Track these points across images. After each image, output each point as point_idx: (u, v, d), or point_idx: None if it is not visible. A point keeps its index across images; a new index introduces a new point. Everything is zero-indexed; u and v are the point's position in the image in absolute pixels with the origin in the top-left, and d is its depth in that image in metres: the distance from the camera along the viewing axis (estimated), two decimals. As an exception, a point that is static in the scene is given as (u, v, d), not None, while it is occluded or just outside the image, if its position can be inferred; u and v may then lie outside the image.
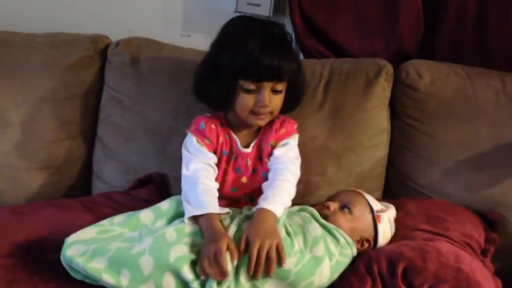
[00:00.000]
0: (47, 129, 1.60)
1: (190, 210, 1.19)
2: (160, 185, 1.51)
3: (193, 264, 1.11)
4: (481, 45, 1.63)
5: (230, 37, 1.28)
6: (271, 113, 1.31)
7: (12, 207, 1.40)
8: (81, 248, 1.13)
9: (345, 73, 1.56)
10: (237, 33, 1.28)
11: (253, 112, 1.29)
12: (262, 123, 1.33)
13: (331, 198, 1.34)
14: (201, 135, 1.34)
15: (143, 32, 1.72)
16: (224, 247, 1.09)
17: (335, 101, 1.53)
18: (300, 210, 1.31)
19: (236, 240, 1.15)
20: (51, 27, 1.72)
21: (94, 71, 1.65)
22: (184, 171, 1.30)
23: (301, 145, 1.39)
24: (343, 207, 1.29)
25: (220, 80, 1.27)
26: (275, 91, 1.28)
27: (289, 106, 1.36)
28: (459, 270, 1.13)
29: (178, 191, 1.30)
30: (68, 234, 1.25)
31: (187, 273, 1.09)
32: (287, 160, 1.31)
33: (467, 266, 1.14)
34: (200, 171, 1.28)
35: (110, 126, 1.61)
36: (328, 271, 1.16)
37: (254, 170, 1.36)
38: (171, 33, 1.83)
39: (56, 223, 1.33)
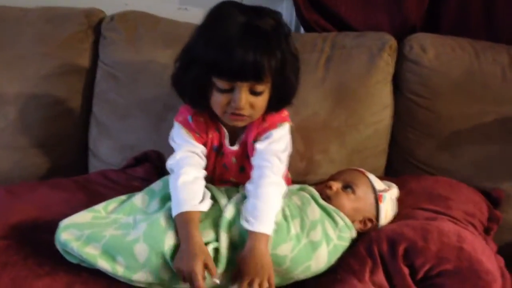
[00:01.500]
0: (41, 105, 1.57)
1: (172, 209, 1.14)
2: (156, 162, 1.49)
3: None
4: (488, 18, 1.58)
5: (208, 26, 1.12)
6: (250, 116, 1.14)
7: (6, 186, 1.37)
8: (75, 233, 1.11)
9: (348, 47, 1.51)
10: (216, 22, 1.10)
11: (227, 113, 1.14)
12: (240, 124, 1.18)
13: (333, 178, 1.31)
14: (189, 128, 1.22)
15: (139, 5, 1.68)
16: (200, 271, 1.03)
17: (337, 77, 1.49)
18: (300, 189, 1.28)
19: (234, 221, 1.13)
20: (44, 1, 1.68)
21: (88, 46, 1.62)
22: (169, 160, 1.20)
23: (303, 122, 1.36)
24: (346, 187, 1.26)
25: (194, 74, 1.12)
26: (254, 93, 1.11)
27: (275, 106, 1.18)
28: (461, 250, 1.11)
29: (174, 170, 1.26)
30: (63, 214, 1.23)
31: None
32: (271, 155, 1.17)
33: (469, 245, 1.12)
34: (186, 159, 1.19)
35: (105, 103, 1.59)
36: (326, 256, 1.14)
37: (241, 169, 1.27)
38: (168, 7, 1.77)
39: (51, 203, 1.31)
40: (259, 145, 1.19)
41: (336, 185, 1.26)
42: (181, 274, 1.05)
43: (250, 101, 1.11)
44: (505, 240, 1.34)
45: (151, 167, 1.48)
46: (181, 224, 1.11)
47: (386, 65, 1.50)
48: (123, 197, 1.24)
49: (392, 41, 1.52)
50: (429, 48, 1.49)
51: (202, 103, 1.18)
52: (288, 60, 1.12)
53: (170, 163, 1.21)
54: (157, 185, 1.24)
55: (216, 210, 1.16)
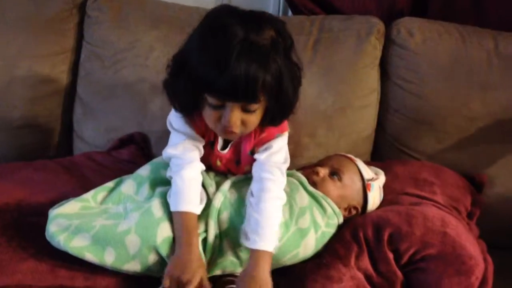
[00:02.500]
0: (25, 86, 1.54)
1: (170, 201, 1.12)
2: (141, 145, 1.48)
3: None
4: (475, 3, 1.58)
5: (204, 36, 1.04)
6: (242, 132, 1.10)
7: (-11, 168, 1.35)
8: (63, 223, 1.09)
9: (335, 30, 1.50)
10: (212, 33, 1.02)
11: (219, 128, 1.08)
12: (232, 138, 1.15)
13: (321, 163, 1.31)
14: (190, 118, 1.16)
15: (125, -16, 1.63)
16: (196, 283, 1.02)
17: (325, 60, 1.48)
18: (288, 175, 1.27)
19: (222, 209, 1.13)
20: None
21: (73, 26, 1.59)
22: (171, 149, 1.15)
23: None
24: (333, 173, 1.26)
25: (185, 86, 1.06)
26: (246, 110, 1.05)
27: (271, 121, 1.11)
28: (445, 235, 1.12)
29: (159, 151, 1.23)
30: (48, 197, 1.23)
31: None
32: (272, 167, 1.14)
33: (453, 230, 1.14)
34: (189, 152, 1.14)
35: (89, 84, 1.56)
36: (313, 242, 1.15)
37: (228, 170, 1.23)
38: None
39: (35, 185, 1.29)
40: (259, 156, 1.15)
41: (323, 171, 1.26)
42: (172, 281, 1.02)
43: (242, 118, 1.06)
44: (487, 224, 1.36)
45: (136, 149, 1.47)
46: (179, 224, 1.09)
47: (374, 49, 1.49)
48: (110, 184, 1.22)
49: (380, 25, 1.51)
50: (416, 33, 1.49)
51: (193, 112, 1.13)
52: (285, 74, 1.04)
53: (172, 152, 1.16)
54: (144, 170, 1.23)
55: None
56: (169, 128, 1.18)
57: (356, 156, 1.36)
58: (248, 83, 0.99)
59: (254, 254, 1.07)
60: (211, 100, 1.04)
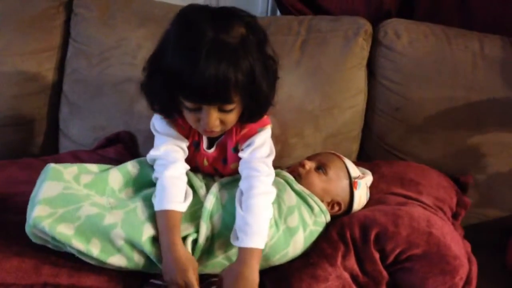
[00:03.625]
0: (10, 83, 1.53)
1: (154, 201, 1.12)
2: (128, 144, 1.47)
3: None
4: (462, 4, 1.59)
5: (175, 35, 1.04)
6: (223, 130, 1.12)
7: (-26, 165, 1.34)
8: (47, 210, 1.06)
9: (323, 31, 1.51)
10: (181, 31, 1.02)
11: (199, 128, 1.10)
12: (214, 135, 1.15)
13: (308, 158, 1.31)
14: (172, 119, 1.17)
15: (112, -18, 1.62)
16: (194, 281, 1.03)
17: (313, 60, 1.48)
18: (275, 175, 1.28)
19: (215, 211, 1.14)
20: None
21: (60, 23, 1.58)
22: (154, 151, 1.17)
23: (277, 105, 1.33)
24: (319, 167, 1.26)
25: (162, 87, 1.06)
26: (223, 110, 1.06)
27: (250, 118, 1.13)
28: (430, 235, 1.13)
29: (146, 150, 1.22)
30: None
31: (156, 256, 1.07)
32: (257, 163, 1.14)
33: (438, 230, 1.15)
34: (172, 153, 1.15)
35: (76, 83, 1.55)
36: (302, 241, 1.15)
37: (215, 169, 1.24)
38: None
39: (20, 183, 1.28)
40: (242, 154, 1.15)
41: (309, 164, 1.26)
42: (175, 285, 1.03)
43: (220, 118, 1.07)
44: (471, 224, 1.37)
45: (123, 148, 1.46)
46: (162, 223, 1.09)
47: (361, 50, 1.50)
48: (95, 168, 1.19)
49: (368, 26, 1.52)
50: (403, 34, 1.49)
51: (173, 114, 1.14)
52: (258, 70, 1.04)
53: (154, 154, 1.16)
54: (133, 167, 1.20)
55: (195, 201, 1.15)
56: (153, 131, 1.19)
57: (343, 156, 1.35)
58: (219, 84, 0.98)
59: (242, 251, 1.07)
60: (186, 103, 1.04)
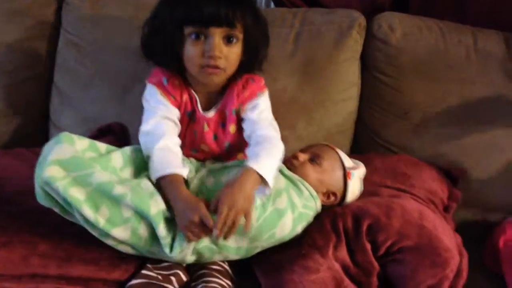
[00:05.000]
0: (1, 73, 1.51)
1: (152, 172, 1.11)
2: (120, 135, 1.45)
3: (167, 221, 1.07)
4: (456, -1, 1.59)
5: None
6: (225, 69, 1.14)
7: (-36, 155, 1.33)
8: (60, 171, 1.02)
9: (317, 24, 1.50)
10: None
11: (202, 66, 1.12)
12: (215, 79, 1.16)
13: (302, 150, 1.31)
14: (165, 90, 1.19)
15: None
16: (206, 211, 1.03)
17: (306, 53, 1.48)
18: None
19: (198, 195, 1.12)
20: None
21: (51, 12, 1.57)
22: (143, 126, 1.18)
23: (271, 97, 1.33)
24: (313, 159, 1.26)
25: (165, 32, 1.13)
26: (228, 40, 1.12)
27: (248, 65, 1.19)
28: (422, 227, 1.13)
29: (138, 142, 1.21)
30: (23, 186, 1.20)
31: (162, 230, 1.05)
32: (267, 124, 1.19)
33: (430, 223, 1.15)
34: (162, 126, 1.17)
35: (67, 72, 1.54)
36: (291, 223, 1.14)
37: (215, 137, 1.25)
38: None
39: (12, 173, 1.27)
40: (249, 116, 1.20)
41: (303, 156, 1.26)
42: (191, 227, 1.03)
43: (224, 52, 1.11)
44: (462, 217, 1.37)
45: (114, 140, 1.44)
46: (167, 185, 1.08)
47: (355, 43, 1.50)
48: (102, 148, 1.15)
49: (361, 19, 1.51)
50: (397, 28, 1.49)
51: (174, 63, 1.17)
52: (259, 20, 1.16)
53: (145, 128, 1.17)
54: (131, 152, 1.17)
55: None
56: (144, 104, 1.20)
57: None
58: (228, 7, 1.08)
59: (245, 171, 1.08)
60: (193, 32, 1.10)
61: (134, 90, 1.45)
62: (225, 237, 1.05)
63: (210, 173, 1.18)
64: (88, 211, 1.02)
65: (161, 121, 1.17)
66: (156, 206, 1.05)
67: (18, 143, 1.53)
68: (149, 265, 1.10)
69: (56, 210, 1.06)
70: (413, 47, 1.48)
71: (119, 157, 1.14)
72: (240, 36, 1.14)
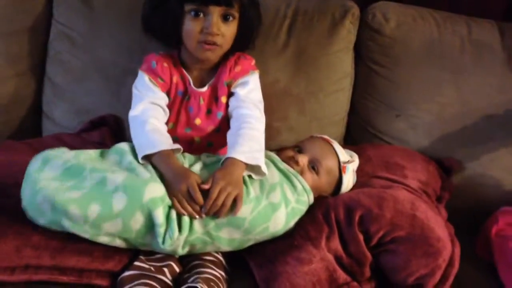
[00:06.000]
0: (-8, 64, 1.50)
1: (142, 150, 1.14)
2: (113, 127, 1.45)
3: (166, 208, 1.07)
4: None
5: None
6: (221, 46, 1.21)
7: (-44, 148, 1.32)
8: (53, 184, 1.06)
9: (310, 13, 1.49)
10: None
11: (200, 41, 1.19)
12: (211, 55, 1.23)
13: (302, 148, 1.29)
14: (153, 73, 1.26)
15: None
16: (195, 183, 1.08)
17: (299, 43, 1.47)
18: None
19: None
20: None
21: (42, 3, 1.54)
22: (132, 112, 1.23)
23: (262, 88, 1.33)
24: (313, 166, 1.25)
25: (166, 8, 1.19)
26: (225, 18, 1.19)
27: (242, 42, 1.27)
28: (414, 217, 1.13)
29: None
30: (15, 178, 1.19)
31: (159, 216, 1.05)
32: (251, 104, 1.24)
33: (422, 213, 1.15)
34: (149, 111, 1.22)
35: (59, 64, 1.52)
36: (284, 217, 1.14)
37: (209, 111, 1.29)
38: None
39: (3, 166, 1.26)
40: (239, 90, 1.25)
41: (303, 161, 1.25)
42: (179, 197, 1.07)
43: (221, 29, 1.18)
44: (455, 207, 1.37)
45: (108, 131, 1.44)
46: (159, 161, 1.12)
47: (348, 33, 1.49)
48: (92, 152, 1.18)
49: (355, 9, 1.50)
50: (391, 17, 1.49)
51: (174, 38, 1.23)
52: (253, 0, 1.24)
53: (133, 114, 1.22)
54: (126, 145, 1.19)
55: None
56: (133, 90, 1.25)
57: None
58: None
59: (227, 160, 1.13)
60: (193, 9, 1.17)
61: (127, 83, 1.42)
62: (212, 214, 1.07)
63: (204, 167, 1.18)
64: (76, 210, 1.04)
65: (148, 106, 1.23)
66: (151, 194, 1.06)
67: (10, 136, 1.52)
68: (142, 257, 1.10)
69: (42, 221, 1.08)
70: (407, 37, 1.48)
71: (114, 157, 1.17)
72: (237, 15, 1.21)
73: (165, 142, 1.16)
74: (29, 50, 1.53)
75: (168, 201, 1.08)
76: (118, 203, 1.05)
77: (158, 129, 1.20)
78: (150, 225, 1.06)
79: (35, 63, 1.55)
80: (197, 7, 1.17)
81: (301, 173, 1.23)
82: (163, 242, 1.07)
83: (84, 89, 1.50)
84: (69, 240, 1.08)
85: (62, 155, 1.14)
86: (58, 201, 1.04)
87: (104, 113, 1.48)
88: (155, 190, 1.07)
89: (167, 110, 1.26)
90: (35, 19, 1.53)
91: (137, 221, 1.06)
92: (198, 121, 1.29)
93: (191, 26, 1.19)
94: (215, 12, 1.17)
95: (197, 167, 1.17)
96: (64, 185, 1.07)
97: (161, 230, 1.06)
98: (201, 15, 1.18)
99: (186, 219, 1.08)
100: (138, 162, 1.14)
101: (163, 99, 1.26)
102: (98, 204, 1.05)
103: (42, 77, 1.55)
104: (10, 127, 1.55)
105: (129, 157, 1.15)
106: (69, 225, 1.06)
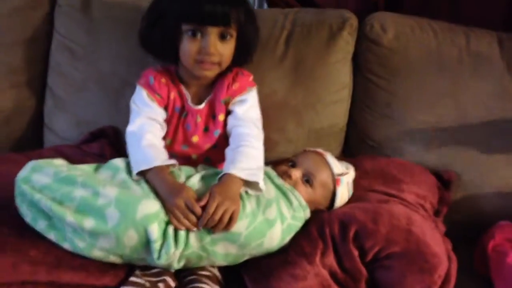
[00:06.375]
0: (-6, 75, 1.51)
1: (137, 166, 1.15)
2: (112, 139, 1.46)
3: (162, 223, 1.08)
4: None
5: None
6: (219, 64, 1.21)
7: (-44, 160, 1.33)
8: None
9: (308, 24, 1.49)
10: None
11: (198, 61, 1.20)
12: (209, 74, 1.23)
13: (294, 162, 1.29)
14: (151, 89, 1.26)
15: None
16: (192, 197, 1.08)
17: (297, 55, 1.47)
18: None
19: None
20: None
21: (43, 14, 1.55)
22: (129, 127, 1.24)
23: (260, 100, 1.33)
24: (307, 179, 1.25)
25: (163, 26, 1.20)
26: (223, 37, 1.19)
27: (240, 58, 1.27)
28: (410, 233, 1.13)
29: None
30: (12, 191, 1.20)
31: (154, 232, 1.05)
32: (250, 123, 1.24)
33: (418, 228, 1.14)
34: (146, 126, 1.23)
35: (60, 76, 1.53)
36: (279, 234, 1.14)
37: (206, 129, 1.29)
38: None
39: (3, 178, 1.27)
40: (237, 109, 1.25)
41: (296, 175, 1.25)
42: (175, 212, 1.07)
43: (219, 48, 1.18)
44: (453, 221, 1.37)
45: (107, 143, 1.45)
46: (153, 177, 1.13)
47: (346, 44, 1.48)
48: (86, 167, 1.19)
49: (353, 20, 1.50)
50: (389, 28, 1.48)
51: (171, 55, 1.23)
52: (251, 17, 1.23)
53: (130, 129, 1.23)
54: (121, 162, 1.19)
55: None
56: (131, 105, 1.27)
57: (327, 151, 1.35)
58: (224, 8, 1.15)
59: (225, 176, 1.13)
60: (190, 30, 1.17)
61: (126, 95, 1.43)
62: (208, 228, 1.08)
63: (202, 179, 1.18)
64: (72, 220, 1.05)
65: (146, 122, 1.24)
66: (144, 211, 1.06)
67: (11, 148, 1.53)
68: (137, 272, 1.11)
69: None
70: (405, 48, 1.47)
71: (107, 173, 1.17)
72: (234, 33, 1.21)
73: (159, 158, 1.17)
74: (30, 61, 1.55)
75: (163, 216, 1.08)
76: (111, 219, 1.05)
77: (154, 145, 1.20)
78: (144, 241, 1.07)
79: (36, 74, 1.56)
80: (195, 28, 1.17)
81: (295, 186, 1.23)
82: (159, 258, 1.07)
83: (84, 100, 1.51)
84: (65, 255, 1.09)
85: (54, 163, 1.15)
86: (54, 211, 1.06)
87: (104, 124, 1.49)
88: (148, 206, 1.07)
89: (165, 125, 1.27)
90: (36, 30, 1.55)
91: (131, 238, 1.06)
92: (195, 139, 1.29)
93: (188, 46, 1.19)
94: (213, 32, 1.17)
95: (194, 180, 1.17)
96: (55, 194, 1.07)
97: (156, 245, 1.06)
98: (199, 35, 1.18)
99: (182, 233, 1.09)
100: (132, 179, 1.14)
101: (161, 114, 1.27)
102: (92, 218, 1.06)
103: (43, 88, 1.56)
104: (12, 139, 1.56)
105: (123, 174, 1.15)
106: (69, 230, 1.07)
